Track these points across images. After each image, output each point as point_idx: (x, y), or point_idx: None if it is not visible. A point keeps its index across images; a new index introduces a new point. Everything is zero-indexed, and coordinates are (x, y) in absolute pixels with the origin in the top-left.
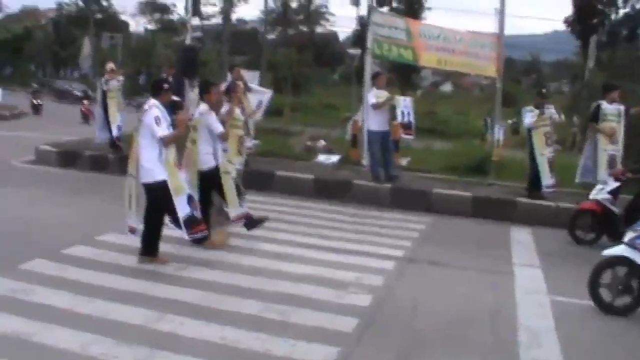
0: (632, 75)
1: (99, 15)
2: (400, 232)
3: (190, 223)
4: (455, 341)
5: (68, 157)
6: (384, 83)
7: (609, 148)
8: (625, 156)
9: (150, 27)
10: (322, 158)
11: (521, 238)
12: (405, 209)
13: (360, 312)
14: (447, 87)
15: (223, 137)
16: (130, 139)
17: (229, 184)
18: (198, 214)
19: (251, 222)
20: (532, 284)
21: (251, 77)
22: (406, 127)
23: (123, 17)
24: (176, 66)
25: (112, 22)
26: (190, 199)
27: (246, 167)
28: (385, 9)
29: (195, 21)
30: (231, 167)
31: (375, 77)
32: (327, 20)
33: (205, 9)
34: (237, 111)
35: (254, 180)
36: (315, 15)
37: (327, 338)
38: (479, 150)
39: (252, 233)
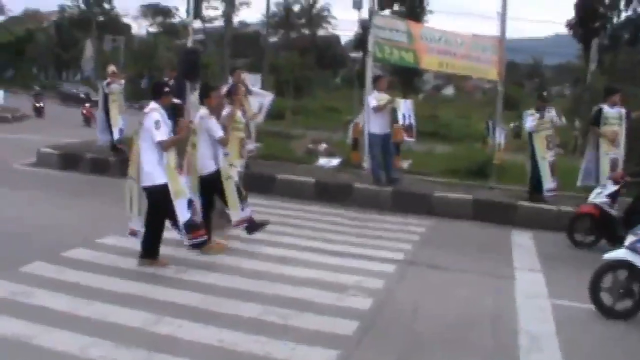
0: (634, 79)
1: (101, 18)
2: (401, 235)
3: (190, 228)
4: (456, 344)
5: (69, 160)
6: (385, 86)
7: (611, 152)
8: (627, 159)
9: (153, 30)
10: (323, 161)
11: (522, 242)
12: (407, 212)
13: (361, 315)
14: (449, 91)
15: (222, 142)
16: (131, 142)
17: (230, 189)
18: (198, 218)
19: (252, 226)
20: (533, 287)
21: (253, 80)
22: (407, 129)
23: (125, 20)
24: (177, 69)
25: (115, 25)
26: (190, 203)
27: (247, 170)
28: (387, 12)
29: (198, 24)
30: (233, 171)
31: (376, 80)
32: (329, 23)
33: (208, 12)
34: (239, 114)
35: (255, 183)
36: (318, 19)
37: (327, 341)
38: (481, 154)
39: (253, 237)
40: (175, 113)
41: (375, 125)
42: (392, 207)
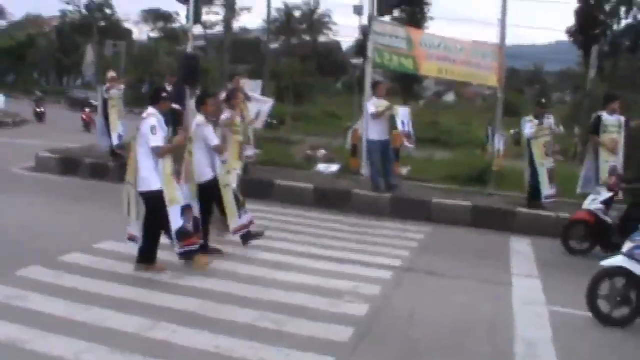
0: (634, 86)
1: (102, 23)
2: (399, 241)
3: (182, 235)
4: (452, 351)
5: (68, 164)
6: (384, 92)
7: (610, 160)
8: (625, 167)
9: (153, 35)
10: (321, 167)
11: (520, 248)
12: (405, 219)
13: (357, 321)
14: (449, 97)
15: (218, 150)
16: (129, 147)
17: (228, 197)
18: (190, 227)
19: (247, 236)
20: (530, 294)
21: (254, 86)
22: (407, 136)
23: (126, 25)
24: (177, 74)
25: (115, 30)
26: (183, 211)
27: (245, 175)
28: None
29: (198, 30)
30: (231, 178)
31: (375, 86)
32: (330, 29)
33: (208, 18)
34: (237, 118)
35: (254, 188)
36: (318, 24)
37: (322, 347)
38: (480, 160)
39: (250, 242)
40: (174, 118)
41: (374, 131)
42: (390, 214)
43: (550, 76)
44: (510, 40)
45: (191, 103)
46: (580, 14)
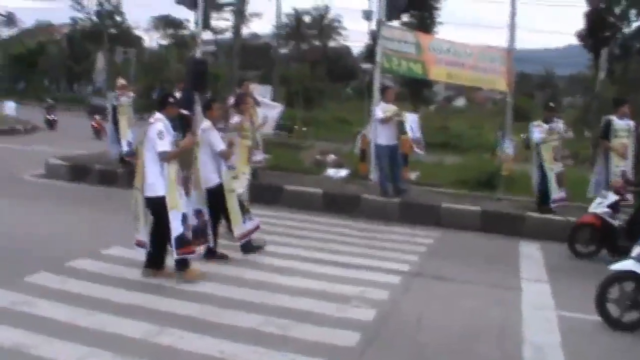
0: None
1: (113, 31)
2: (408, 246)
3: (181, 242)
4: (461, 356)
5: (78, 171)
6: (393, 97)
7: (621, 165)
8: (636, 172)
9: (164, 42)
10: (331, 172)
11: (530, 253)
12: (414, 223)
13: (364, 326)
14: (460, 102)
15: (223, 155)
16: (138, 153)
17: (232, 203)
18: (190, 235)
19: (247, 247)
20: (540, 299)
21: (263, 92)
22: (417, 142)
23: (137, 32)
24: (186, 79)
25: (126, 37)
26: (185, 218)
27: (254, 180)
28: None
29: (208, 35)
30: (238, 184)
31: (383, 91)
32: (340, 34)
33: (218, 23)
34: (247, 123)
35: (263, 194)
36: (328, 30)
37: (328, 352)
38: (489, 165)
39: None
40: (183, 124)
41: (382, 136)
42: (399, 218)
43: (562, 80)
44: (521, 45)
45: (200, 109)
46: (590, 17)
